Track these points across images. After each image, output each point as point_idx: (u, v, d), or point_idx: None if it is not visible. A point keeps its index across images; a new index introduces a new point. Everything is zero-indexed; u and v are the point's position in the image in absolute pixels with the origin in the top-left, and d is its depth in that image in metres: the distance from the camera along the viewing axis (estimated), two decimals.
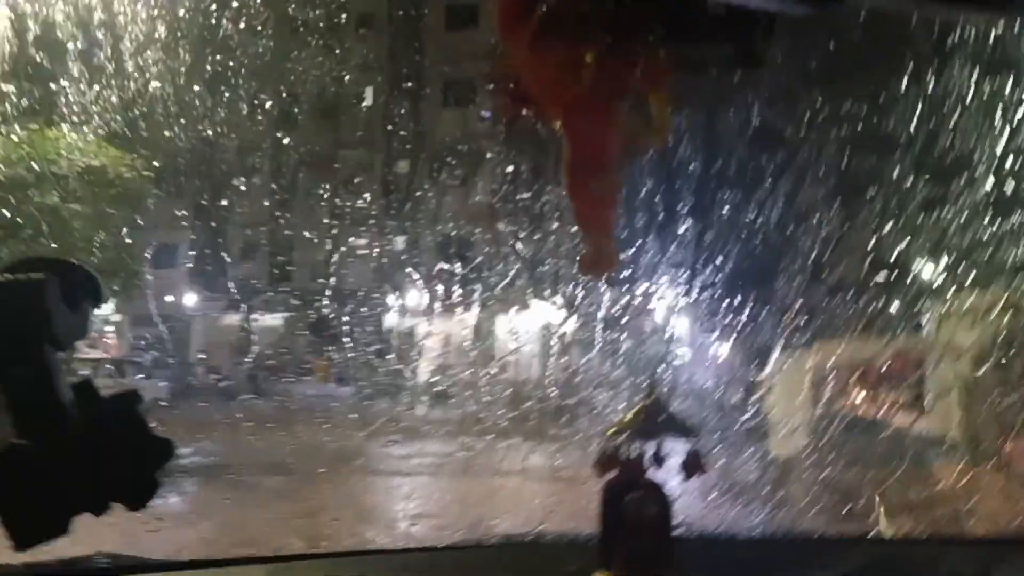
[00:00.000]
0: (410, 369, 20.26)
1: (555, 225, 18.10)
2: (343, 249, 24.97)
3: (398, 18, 27.89)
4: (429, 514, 8.80)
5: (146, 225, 16.85)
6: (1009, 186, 10.45)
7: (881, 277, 11.35)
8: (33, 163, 13.30)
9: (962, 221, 10.94)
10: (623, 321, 12.14)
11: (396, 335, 22.90)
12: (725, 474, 8.40)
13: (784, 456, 10.13)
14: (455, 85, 25.12)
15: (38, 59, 13.15)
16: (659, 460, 1.59)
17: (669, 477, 1.59)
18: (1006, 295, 10.28)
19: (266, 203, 26.74)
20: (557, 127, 1.23)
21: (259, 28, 16.86)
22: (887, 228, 11.32)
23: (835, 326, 10.54)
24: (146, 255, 17.86)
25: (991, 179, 10.42)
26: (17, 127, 13.35)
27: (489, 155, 24.00)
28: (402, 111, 26.80)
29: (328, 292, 22.24)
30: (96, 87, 13.72)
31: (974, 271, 10.94)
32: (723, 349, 13.96)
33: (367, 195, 26.11)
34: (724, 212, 11.03)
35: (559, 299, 20.11)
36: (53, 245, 12.91)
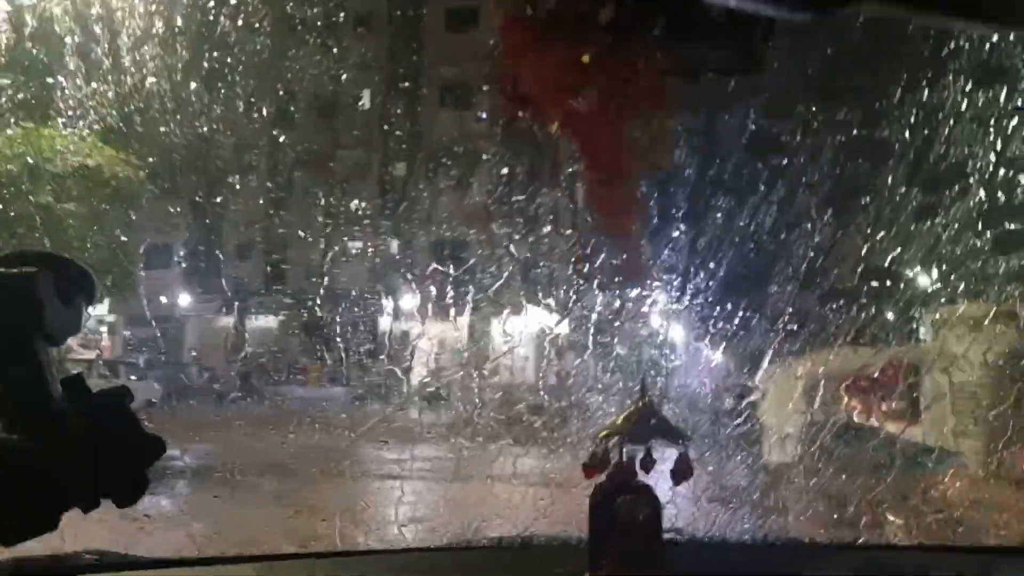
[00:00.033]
0: (403, 371, 20.23)
1: (549, 228, 18.13)
2: (337, 250, 24.97)
3: (397, 18, 27.89)
4: (420, 516, 8.79)
5: (141, 224, 16.82)
6: (1001, 196, 10.50)
7: (874, 285, 11.39)
8: (27, 160, 13.26)
9: (954, 230, 11.00)
10: (615, 325, 12.15)
11: (389, 337, 22.85)
12: (716, 479, 8.42)
13: (775, 462, 10.15)
14: (453, 86, 25.14)
15: (34, 55, 13.12)
16: (649, 464, 1.59)
17: (660, 481, 1.60)
18: (998, 304, 10.34)
19: (262, 203, 26.72)
20: (553, 129, 1.23)
21: (257, 26, 16.85)
22: (880, 236, 11.37)
23: (827, 333, 10.57)
24: (140, 254, 17.81)
25: (983, 189, 10.47)
26: (12, 124, 13.31)
27: (485, 156, 24.02)
28: (399, 112, 26.80)
29: (322, 293, 22.21)
30: (92, 84, 13.69)
31: (967, 280, 11.00)
32: (714, 354, 13.99)
33: (362, 196, 26.12)
34: (717, 217, 11.06)
35: (552, 302, 20.12)
36: (47, 243, 12.87)
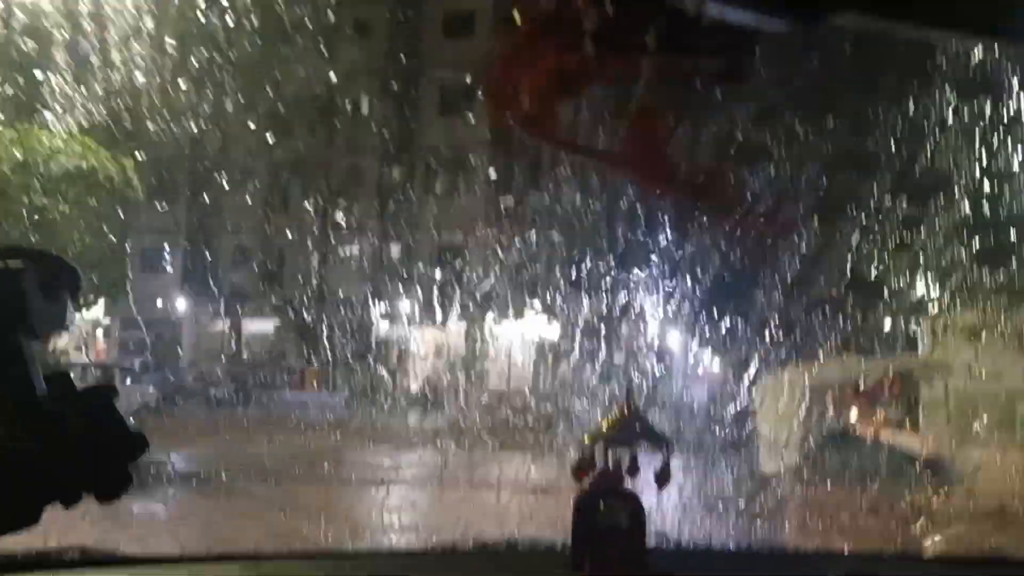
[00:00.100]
0: (394, 376, 20.22)
1: (540, 233, 18.13)
2: (332, 255, 24.92)
3: (395, 24, 27.88)
4: (407, 519, 8.77)
5: (136, 227, 16.77)
6: (986, 207, 10.57)
7: (864, 296, 11.46)
8: (22, 164, 13.19)
9: (943, 242, 11.06)
10: (602, 331, 12.18)
11: (383, 342, 22.83)
12: (705, 485, 8.44)
13: (765, 469, 10.19)
14: (450, 92, 25.13)
15: (29, 58, 13.05)
16: (634, 469, 1.60)
17: (643, 485, 1.60)
18: (984, 314, 10.40)
19: (257, 208, 26.65)
20: (541, 135, 1.24)
21: (254, 32, 16.81)
22: (869, 248, 11.43)
23: (820, 344, 10.62)
24: (135, 257, 17.78)
25: (968, 202, 10.54)
26: (6, 127, 13.24)
27: (477, 162, 24.03)
28: (396, 117, 26.76)
29: (315, 297, 22.18)
30: (87, 88, 13.64)
31: (960, 291, 11.06)
32: (705, 362, 14.03)
33: (356, 201, 26.06)
34: (704, 226, 11.10)
35: (543, 308, 20.13)
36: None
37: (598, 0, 1.04)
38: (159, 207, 23.75)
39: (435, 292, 19.97)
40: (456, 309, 18.07)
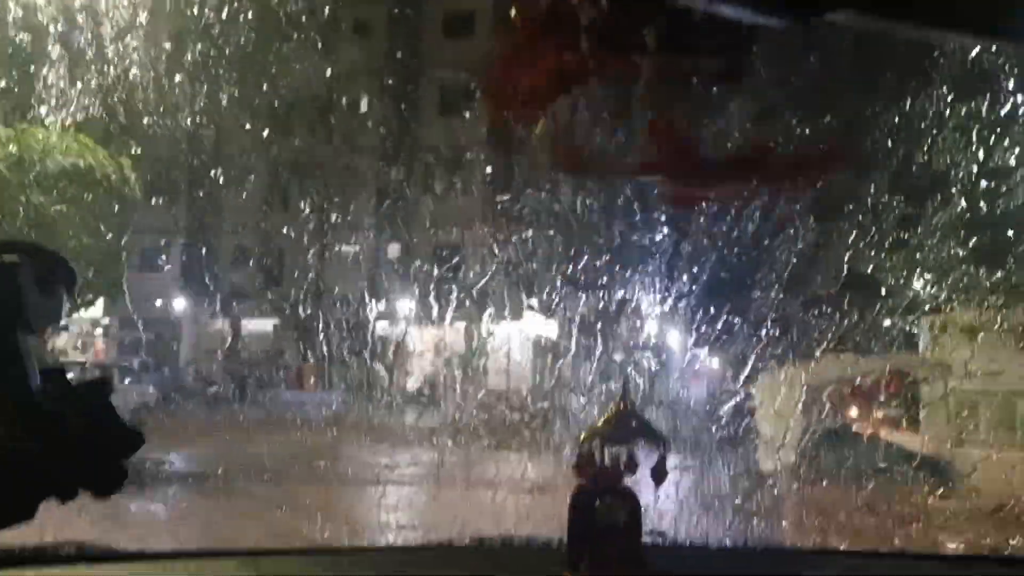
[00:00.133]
0: (392, 375, 20.20)
1: (537, 231, 18.12)
2: (330, 254, 24.89)
3: (395, 23, 27.86)
4: (403, 516, 8.77)
5: (134, 227, 16.72)
6: (983, 205, 10.58)
7: (862, 294, 11.46)
8: (18, 161, 13.15)
9: (941, 240, 11.07)
10: (599, 329, 12.17)
11: (381, 340, 22.82)
12: (702, 484, 8.45)
13: (762, 467, 10.19)
14: (449, 91, 25.11)
15: (24, 54, 13.03)
16: (632, 466, 1.60)
17: (640, 483, 1.60)
18: (981, 312, 10.41)
19: (255, 207, 26.60)
20: (539, 131, 1.24)
21: (252, 30, 16.78)
22: (866, 246, 11.43)
23: (818, 342, 10.63)
24: (133, 258, 17.76)
25: (966, 200, 10.55)
26: (3, 125, 13.21)
27: (477, 161, 24.02)
28: (395, 116, 26.73)
29: (314, 297, 22.15)
30: (85, 87, 13.61)
31: (959, 289, 11.06)
32: (702, 360, 14.03)
33: (355, 200, 26.03)
34: (702, 223, 11.11)
35: (540, 306, 20.13)
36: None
37: (597, 0, 1.05)
38: (157, 206, 23.71)
39: (433, 290, 19.95)
40: (453, 307, 18.04)
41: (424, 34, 27.79)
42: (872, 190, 10.98)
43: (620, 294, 13.08)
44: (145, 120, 15.69)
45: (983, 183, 10.60)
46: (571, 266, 14.72)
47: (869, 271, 11.69)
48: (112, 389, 0.92)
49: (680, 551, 2.07)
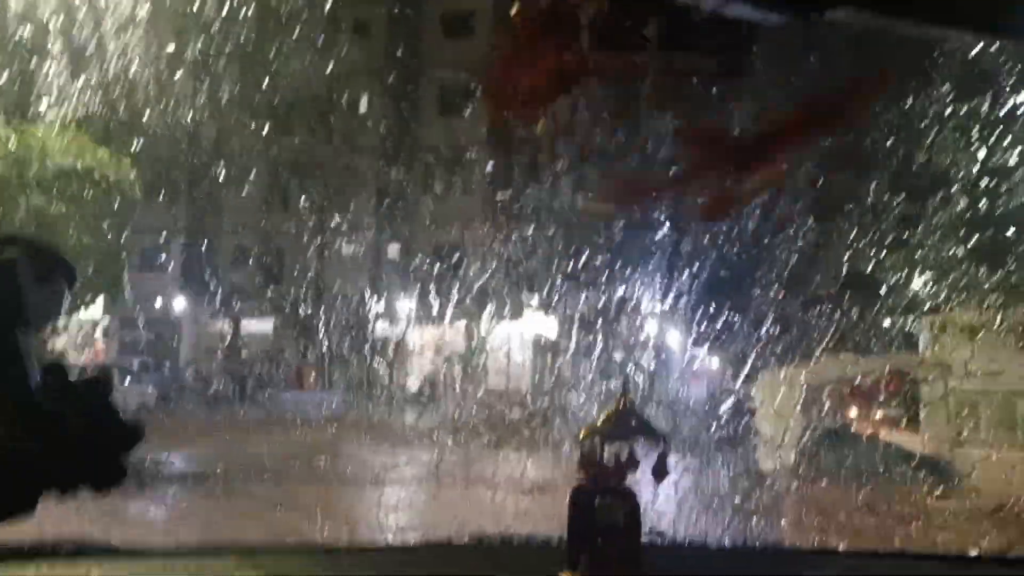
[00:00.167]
0: (393, 374, 20.22)
1: (537, 229, 18.12)
2: (330, 253, 24.88)
3: (395, 22, 27.84)
4: (405, 516, 8.77)
5: (134, 226, 16.70)
6: (983, 204, 10.55)
7: (862, 293, 11.45)
8: (19, 161, 13.14)
9: (941, 239, 11.05)
10: (599, 328, 12.18)
11: (381, 339, 22.82)
12: (701, 483, 8.45)
13: (762, 467, 10.20)
14: (449, 91, 25.10)
15: (24, 54, 13.01)
16: (631, 464, 1.60)
17: (641, 481, 1.60)
18: (981, 312, 10.39)
19: (255, 207, 26.58)
20: (540, 129, 1.24)
21: (253, 29, 16.77)
22: (866, 246, 11.41)
23: (817, 341, 10.62)
24: (133, 257, 17.74)
25: (965, 200, 10.52)
26: (3, 125, 13.19)
27: (476, 160, 24.02)
28: (395, 115, 26.71)
29: (314, 296, 22.16)
30: (85, 88, 13.60)
31: (959, 289, 11.04)
32: (702, 359, 14.03)
33: (355, 200, 26.01)
34: (701, 224, 11.10)
35: (540, 304, 20.12)
36: None
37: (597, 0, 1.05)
38: (157, 205, 23.70)
39: (432, 289, 19.96)
40: (453, 306, 18.07)
41: (424, 33, 27.77)
42: (872, 189, 10.98)
43: (620, 292, 13.08)
44: (144, 119, 15.69)
45: (983, 182, 10.58)
46: (571, 264, 14.72)
47: (869, 271, 11.68)
48: (112, 385, 0.92)
49: (679, 551, 2.07)
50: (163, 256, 28.09)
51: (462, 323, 21.16)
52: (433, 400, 18.63)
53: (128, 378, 18.08)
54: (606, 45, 1.05)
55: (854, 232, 11.21)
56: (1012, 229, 10.85)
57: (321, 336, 20.06)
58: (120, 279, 15.67)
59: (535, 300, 20.28)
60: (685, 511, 6.61)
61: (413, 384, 21.55)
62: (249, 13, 15.82)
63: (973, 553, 2.52)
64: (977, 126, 10.14)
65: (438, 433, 13.16)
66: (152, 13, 13.10)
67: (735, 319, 10.79)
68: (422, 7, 27.88)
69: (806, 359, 10.62)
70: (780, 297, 10.56)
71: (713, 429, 10.37)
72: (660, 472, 1.60)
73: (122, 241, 15.60)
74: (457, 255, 20.96)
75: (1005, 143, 10.18)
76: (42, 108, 13.48)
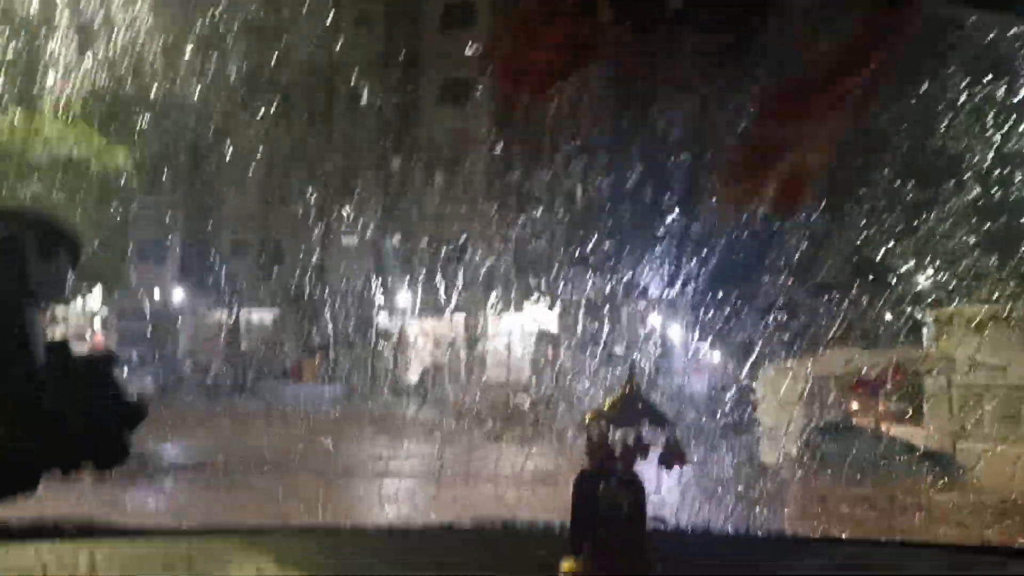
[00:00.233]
0: (394, 366, 20.24)
1: (542, 215, 18.09)
2: (331, 245, 24.89)
3: (394, 14, 27.76)
4: (407, 508, 8.80)
5: (132, 217, 16.71)
6: (997, 191, 10.46)
7: (868, 285, 11.40)
8: (13, 150, 13.12)
9: (948, 232, 10.99)
10: (602, 319, 12.16)
11: (382, 332, 22.84)
12: (705, 472, 8.46)
13: (765, 458, 10.21)
14: (451, 80, 25.04)
15: (22, 43, 12.98)
16: (637, 450, 1.59)
17: (647, 468, 1.59)
18: (991, 303, 10.35)
19: (255, 198, 26.59)
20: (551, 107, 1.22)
21: (254, 21, 16.72)
22: (873, 237, 11.35)
23: (824, 331, 10.59)
24: (132, 248, 17.75)
25: (973, 191, 10.45)
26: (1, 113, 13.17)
27: (477, 152, 23.96)
28: (395, 105, 26.66)
29: (315, 288, 22.18)
30: (82, 75, 13.57)
31: (965, 282, 10.98)
32: (706, 350, 14.02)
33: (356, 191, 25.99)
34: (711, 208, 11.04)
35: (542, 296, 20.12)
36: None
37: None
38: (155, 195, 23.69)
39: (433, 281, 19.95)
40: (455, 298, 18.07)
41: (425, 22, 27.67)
42: (883, 175, 10.90)
43: (622, 286, 13.08)
44: (140, 109, 15.66)
45: (997, 169, 10.49)
46: (578, 250, 14.70)
47: (878, 259, 11.63)
48: (114, 364, 0.91)
49: (682, 537, 2.07)
50: (162, 247, 28.11)
51: (465, 310, 21.17)
52: (435, 388, 18.65)
53: (127, 369, 18.07)
54: (623, 18, 1.03)
55: (861, 223, 11.15)
56: (1022, 220, 10.78)
57: (321, 329, 20.07)
58: (119, 270, 15.68)
59: (537, 293, 20.28)
60: (688, 499, 6.63)
61: (415, 373, 21.60)
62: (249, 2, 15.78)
63: (975, 544, 2.51)
64: (993, 111, 10.04)
65: (439, 424, 13.19)
66: (151, 5, 13.08)
67: (741, 310, 10.77)
68: None
69: (812, 351, 10.61)
70: (788, 284, 10.53)
71: (717, 419, 10.38)
72: (666, 458, 1.59)
73: (121, 232, 15.59)
74: (460, 242, 20.95)
75: (1021, 129, 10.08)
76: (40, 98, 13.45)
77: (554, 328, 20.04)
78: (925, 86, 10.04)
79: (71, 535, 1.59)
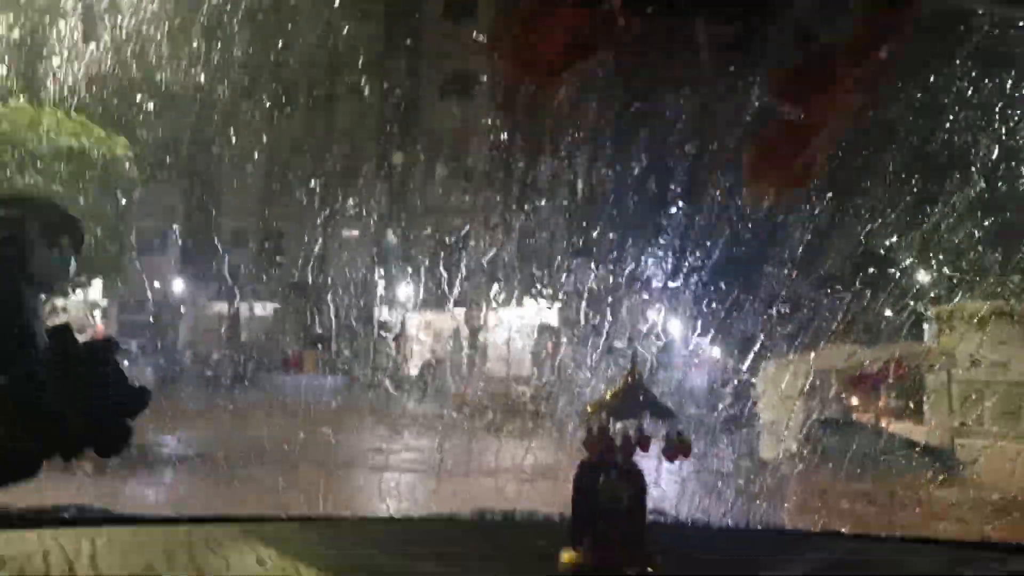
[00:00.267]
0: (395, 358, 20.23)
1: (546, 205, 18.07)
2: (332, 237, 24.87)
3: (395, 7, 27.70)
4: (407, 501, 8.81)
5: (132, 208, 16.69)
6: (1003, 186, 10.42)
7: (870, 281, 11.38)
8: (14, 142, 13.08)
9: (949, 228, 10.96)
10: (603, 313, 12.15)
11: (383, 324, 22.84)
12: (705, 466, 8.46)
13: (765, 453, 10.22)
14: (452, 72, 25.00)
15: (21, 33, 12.94)
16: (640, 441, 1.58)
17: (648, 460, 1.59)
18: (994, 298, 10.34)
19: (257, 189, 26.58)
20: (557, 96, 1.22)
21: (257, 14, 16.68)
22: (875, 233, 11.33)
23: (826, 326, 10.57)
24: (133, 240, 17.77)
25: (976, 187, 10.41)
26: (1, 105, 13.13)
27: (479, 145, 23.91)
28: (397, 97, 26.62)
29: (316, 280, 22.17)
30: (82, 64, 13.53)
31: (966, 278, 10.97)
32: (707, 344, 14.01)
33: (358, 183, 25.96)
34: (714, 200, 11.02)
35: (544, 289, 20.11)
36: None
37: None
38: (157, 187, 23.67)
39: (435, 274, 19.95)
40: (456, 290, 18.06)
41: (427, 13, 27.58)
42: (888, 168, 10.87)
43: (623, 280, 13.06)
44: (142, 98, 15.64)
45: (1003, 163, 10.46)
46: (580, 241, 14.69)
47: (881, 254, 11.61)
48: (116, 350, 0.91)
49: (682, 530, 2.07)
50: (163, 238, 28.12)
51: (467, 302, 21.16)
52: (435, 384, 18.66)
53: (127, 361, 18.10)
54: (630, 7, 1.03)
55: (866, 214, 11.13)
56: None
57: (323, 320, 20.07)
58: (120, 262, 15.68)
59: (539, 286, 20.26)
60: (688, 492, 6.63)
61: (416, 364, 21.61)
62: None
63: (974, 539, 2.52)
64: (998, 105, 10.00)
65: (440, 417, 13.19)
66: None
67: (742, 305, 10.75)
68: None
69: (813, 346, 10.60)
70: (790, 278, 10.51)
71: (717, 413, 10.38)
72: (668, 450, 1.59)
73: (122, 223, 15.57)
74: (462, 234, 20.94)
75: (1020, 126, 10.05)
76: (39, 88, 13.42)
77: (555, 321, 20.04)
78: (931, 79, 10.00)
79: (71, 522, 1.59)
